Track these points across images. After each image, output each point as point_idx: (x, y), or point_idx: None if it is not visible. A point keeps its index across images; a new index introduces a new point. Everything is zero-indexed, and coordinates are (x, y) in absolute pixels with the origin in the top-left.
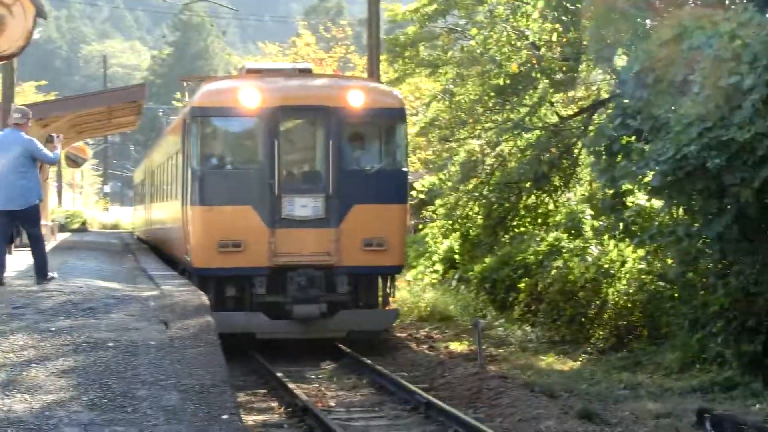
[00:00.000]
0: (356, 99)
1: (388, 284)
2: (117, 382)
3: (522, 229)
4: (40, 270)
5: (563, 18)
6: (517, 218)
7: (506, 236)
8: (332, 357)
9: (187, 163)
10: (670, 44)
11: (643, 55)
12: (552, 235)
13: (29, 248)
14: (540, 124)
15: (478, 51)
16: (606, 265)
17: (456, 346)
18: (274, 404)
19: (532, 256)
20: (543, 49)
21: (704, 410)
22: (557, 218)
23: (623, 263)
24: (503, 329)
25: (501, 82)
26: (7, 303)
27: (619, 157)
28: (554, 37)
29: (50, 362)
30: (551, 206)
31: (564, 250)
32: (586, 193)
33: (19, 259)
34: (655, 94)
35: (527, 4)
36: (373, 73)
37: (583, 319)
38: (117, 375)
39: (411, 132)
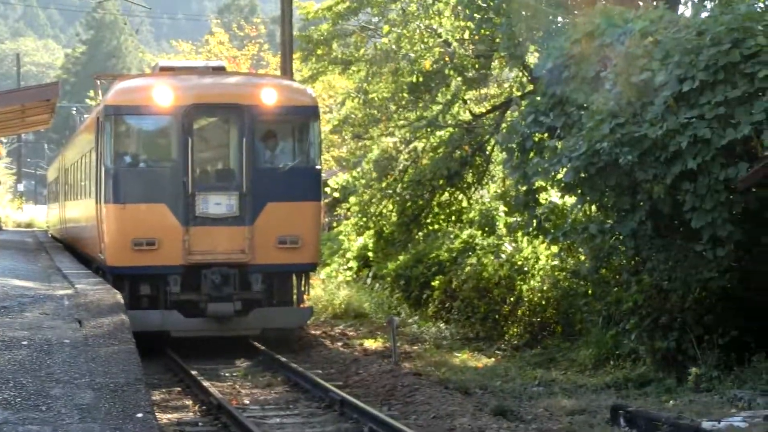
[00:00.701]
0: (269, 97)
1: (303, 282)
2: (31, 381)
3: (436, 226)
4: None
5: (475, 15)
6: (430, 215)
7: (420, 234)
8: (247, 355)
9: (101, 161)
10: (582, 41)
11: (555, 52)
12: (466, 233)
13: None
14: (453, 122)
15: (392, 47)
16: (520, 263)
17: (371, 344)
18: (189, 402)
19: (446, 254)
20: (455, 46)
21: (618, 406)
22: (471, 215)
23: (537, 260)
24: (418, 326)
25: (414, 79)
26: None
27: (532, 154)
28: (466, 35)
29: None
30: (465, 203)
31: (478, 248)
32: (500, 191)
33: None
34: (568, 91)
35: (440, 1)
36: (287, 71)
37: (497, 316)
38: (31, 373)
39: (325, 129)
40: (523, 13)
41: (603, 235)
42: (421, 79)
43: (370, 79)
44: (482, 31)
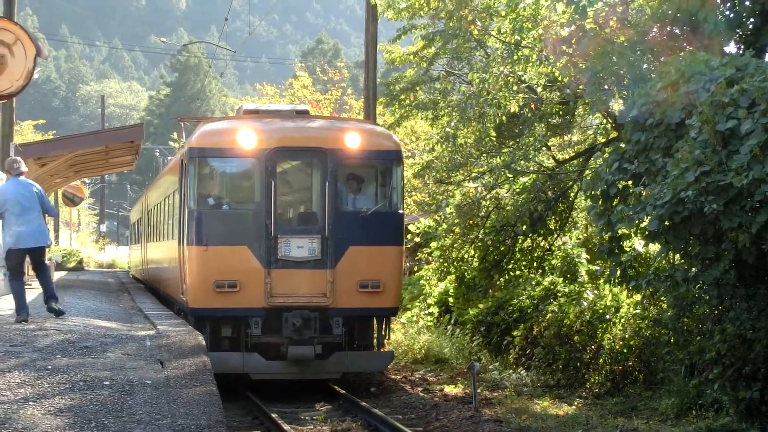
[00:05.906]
0: (353, 141)
1: (384, 326)
2: (113, 421)
3: (518, 272)
4: (54, 294)
5: (561, 59)
6: (512, 261)
7: (502, 279)
8: (327, 398)
9: (184, 203)
10: (668, 88)
11: (641, 99)
12: (547, 279)
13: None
14: (536, 168)
15: (476, 90)
16: (601, 310)
17: (451, 389)
18: None
19: (527, 300)
20: (540, 91)
21: None
22: (553, 262)
23: (618, 308)
24: (498, 373)
25: (498, 121)
26: (4, 341)
27: (616, 201)
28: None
29: (46, 400)
30: (547, 250)
31: (559, 294)
32: (582, 237)
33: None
34: (652, 138)
35: (526, 47)
36: (370, 115)
37: (578, 364)
38: (113, 414)
39: (407, 174)
40: (609, 58)
41: (687, 283)
42: (505, 119)
43: (455, 124)
44: (569, 76)
